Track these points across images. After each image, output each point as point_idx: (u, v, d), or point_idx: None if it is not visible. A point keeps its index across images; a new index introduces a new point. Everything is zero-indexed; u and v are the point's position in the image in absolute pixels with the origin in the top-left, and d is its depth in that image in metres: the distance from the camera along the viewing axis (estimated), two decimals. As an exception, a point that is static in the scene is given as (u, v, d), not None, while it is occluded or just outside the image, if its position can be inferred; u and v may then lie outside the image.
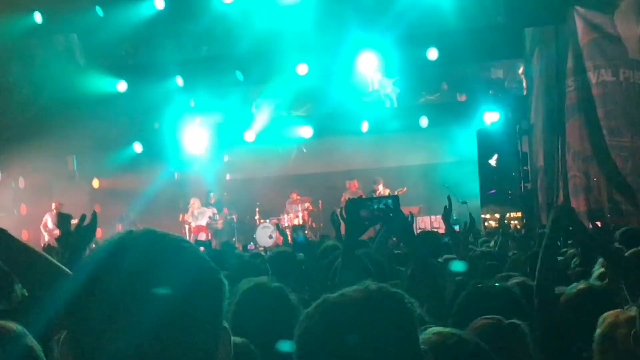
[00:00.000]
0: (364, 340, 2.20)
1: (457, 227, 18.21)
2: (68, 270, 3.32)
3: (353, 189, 23.31)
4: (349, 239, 5.07)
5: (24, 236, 21.03)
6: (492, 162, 22.05)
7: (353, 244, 5.05)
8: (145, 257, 1.81)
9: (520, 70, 23.05)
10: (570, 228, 5.02)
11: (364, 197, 22.17)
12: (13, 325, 2.84)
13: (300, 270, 7.82)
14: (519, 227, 18.44)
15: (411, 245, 5.26)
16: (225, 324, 1.91)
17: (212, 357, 1.85)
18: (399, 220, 5.16)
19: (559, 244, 5.47)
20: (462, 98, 23.94)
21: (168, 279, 1.79)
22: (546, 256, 4.86)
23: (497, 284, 4.79)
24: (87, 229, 4.67)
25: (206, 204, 23.95)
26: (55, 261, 3.31)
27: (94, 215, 4.78)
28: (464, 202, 21.08)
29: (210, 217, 23.60)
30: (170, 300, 1.77)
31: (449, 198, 7.45)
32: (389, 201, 5.16)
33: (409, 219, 7.32)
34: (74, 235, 4.56)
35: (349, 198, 6.31)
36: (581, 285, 4.98)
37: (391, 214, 5.05)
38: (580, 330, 4.45)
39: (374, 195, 22.30)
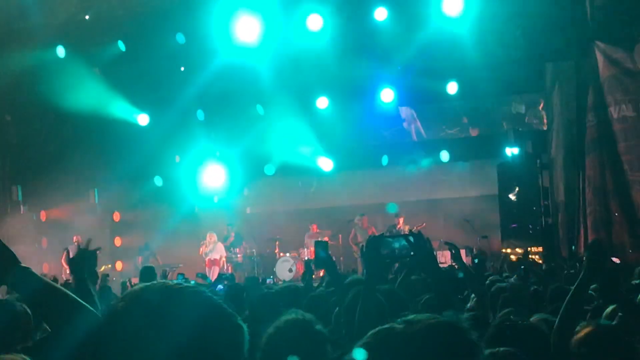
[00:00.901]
0: None
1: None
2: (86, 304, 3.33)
3: (364, 225, 23.22)
4: (369, 278, 5.04)
5: (44, 269, 21.13)
6: (512, 196, 21.99)
7: (373, 282, 5.03)
8: (160, 309, 1.86)
9: (541, 105, 23.01)
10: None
11: (376, 234, 22.13)
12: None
13: (308, 304, 7.74)
14: (539, 261, 18.33)
15: (437, 283, 5.22)
16: None
17: None
18: (424, 257, 5.14)
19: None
20: (478, 132, 23.89)
21: (182, 328, 1.82)
22: (577, 297, 4.80)
23: (524, 321, 4.76)
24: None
25: (225, 237, 23.92)
26: (75, 297, 3.32)
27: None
28: (485, 237, 21.01)
29: (229, 251, 23.59)
30: (185, 348, 1.80)
31: (452, 245, 7.55)
32: (411, 238, 5.14)
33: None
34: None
35: (370, 236, 6.27)
36: (589, 326, 4.78)
37: (413, 252, 5.03)
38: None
39: (395, 230, 22.27)
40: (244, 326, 1.98)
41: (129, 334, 1.86)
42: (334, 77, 21.79)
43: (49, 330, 4.41)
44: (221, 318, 1.95)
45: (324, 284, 9.81)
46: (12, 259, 3.13)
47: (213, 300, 1.98)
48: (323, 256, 7.10)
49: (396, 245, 5.18)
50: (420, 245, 5.06)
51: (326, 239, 23.37)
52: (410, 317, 2.20)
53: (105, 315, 1.98)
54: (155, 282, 2.02)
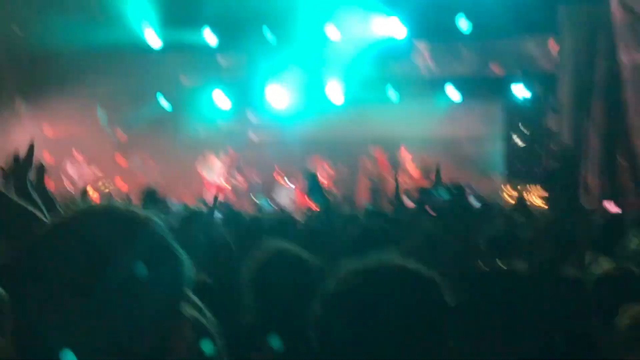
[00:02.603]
0: (389, 317, 2.10)
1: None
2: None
3: (378, 159, 23.13)
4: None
5: (48, 184, 21.12)
6: (519, 138, 21.92)
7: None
8: (100, 236, 1.81)
9: (552, 47, 22.75)
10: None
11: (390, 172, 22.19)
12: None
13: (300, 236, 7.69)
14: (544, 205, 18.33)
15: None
16: (185, 313, 1.89)
17: (163, 342, 1.82)
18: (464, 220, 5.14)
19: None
20: (492, 72, 23.66)
21: (120, 257, 1.78)
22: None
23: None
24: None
25: (227, 162, 23.89)
26: (41, 216, 3.29)
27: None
28: (489, 177, 21.01)
29: (231, 177, 23.62)
30: (117, 278, 1.76)
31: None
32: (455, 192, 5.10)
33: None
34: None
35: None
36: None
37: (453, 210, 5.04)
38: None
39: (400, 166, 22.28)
40: (185, 263, 1.92)
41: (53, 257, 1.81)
42: (343, 6, 21.64)
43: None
44: (161, 250, 1.89)
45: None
46: None
47: (155, 231, 1.91)
48: (311, 188, 7.08)
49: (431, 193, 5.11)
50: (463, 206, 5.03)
51: (328, 169, 23.45)
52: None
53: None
54: (100, 204, 1.98)
